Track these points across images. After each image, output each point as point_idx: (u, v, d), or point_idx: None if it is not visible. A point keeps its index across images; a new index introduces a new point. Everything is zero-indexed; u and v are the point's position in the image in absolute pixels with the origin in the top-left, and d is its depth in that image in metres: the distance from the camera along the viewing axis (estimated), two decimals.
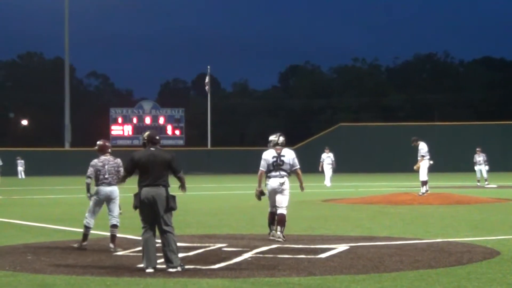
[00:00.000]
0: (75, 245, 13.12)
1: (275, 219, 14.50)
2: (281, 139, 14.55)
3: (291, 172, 14.64)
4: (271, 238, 14.36)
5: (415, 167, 26.71)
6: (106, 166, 13.18)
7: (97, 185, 13.19)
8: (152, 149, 10.68)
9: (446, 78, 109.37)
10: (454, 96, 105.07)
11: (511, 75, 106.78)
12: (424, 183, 26.32)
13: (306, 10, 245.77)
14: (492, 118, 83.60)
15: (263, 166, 14.57)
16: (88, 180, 13.17)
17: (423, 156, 26.41)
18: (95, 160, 13.29)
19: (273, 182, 14.52)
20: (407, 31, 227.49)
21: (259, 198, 14.99)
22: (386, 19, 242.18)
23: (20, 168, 64.57)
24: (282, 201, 14.58)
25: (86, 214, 13.43)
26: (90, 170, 13.20)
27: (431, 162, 26.89)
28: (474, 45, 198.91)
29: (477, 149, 40.89)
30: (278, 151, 14.52)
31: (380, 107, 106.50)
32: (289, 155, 14.53)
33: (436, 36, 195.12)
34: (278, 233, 14.26)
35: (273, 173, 14.50)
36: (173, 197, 10.51)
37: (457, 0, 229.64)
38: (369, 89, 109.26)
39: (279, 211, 14.51)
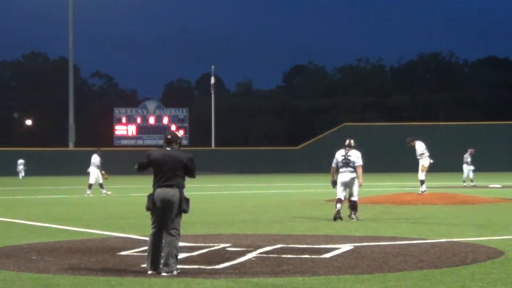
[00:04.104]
0: None
1: (340, 205, 17.98)
2: (351, 142, 18.43)
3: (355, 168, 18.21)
4: (336, 216, 17.76)
5: (425, 166, 26.51)
6: None
7: None
8: (168, 148, 10.52)
9: (450, 78, 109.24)
10: (458, 96, 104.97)
11: None
12: (422, 182, 26.34)
13: (309, 10, 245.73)
14: (497, 118, 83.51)
15: (333, 163, 18.46)
16: None
17: (422, 154, 26.38)
18: None
19: (343, 176, 18.20)
20: (411, 30, 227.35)
21: (334, 187, 18.57)
22: (390, 18, 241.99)
23: (21, 167, 64.61)
24: (353, 192, 18.19)
25: None
26: None
27: (431, 161, 26.84)
28: (478, 45, 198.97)
29: (471, 149, 40.68)
30: (347, 151, 18.32)
31: (385, 107, 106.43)
32: (354, 155, 18.24)
33: (441, 35, 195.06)
34: (352, 215, 18.13)
35: (343, 169, 18.22)
36: (187, 199, 10.31)
37: (461, 0, 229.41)
38: (373, 89, 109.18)
39: (351, 199, 18.22)
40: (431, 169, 27.11)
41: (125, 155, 72.43)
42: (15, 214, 21.31)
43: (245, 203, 26.36)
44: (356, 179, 18.11)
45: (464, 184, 39.18)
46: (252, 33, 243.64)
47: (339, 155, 18.32)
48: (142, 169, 10.56)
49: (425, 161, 26.44)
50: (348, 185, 18.12)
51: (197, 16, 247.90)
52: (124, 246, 13.18)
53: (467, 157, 40.15)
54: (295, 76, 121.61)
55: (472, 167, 39.87)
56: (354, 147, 18.40)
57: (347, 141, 18.49)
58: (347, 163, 18.14)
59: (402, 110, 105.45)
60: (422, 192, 26.07)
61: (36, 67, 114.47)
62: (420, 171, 26.52)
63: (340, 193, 18.15)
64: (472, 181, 39.35)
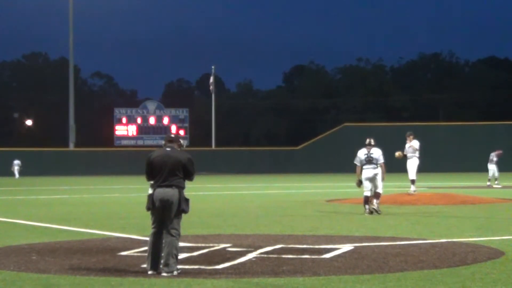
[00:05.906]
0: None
1: (369, 200, 19.63)
2: (371, 141, 19.92)
3: (378, 165, 19.79)
4: (366, 214, 19.41)
5: (397, 154, 26.27)
6: None
7: None
8: (168, 149, 10.49)
9: (450, 78, 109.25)
10: (459, 96, 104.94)
11: None
12: (413, 181, 26.24)
13: (310, 10, 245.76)
14: (497, 118, 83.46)
15: (357, 162, 19.96)
16: None
17: (415, 154, 26.19)
18: None
19: (367, 173, 19.74)
20: (411, 30, 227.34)
21: (359, 186, 20.11)
22: (391, 18, 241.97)
23: (16, 168, 64.64)
24: (378, 185, 19.79)
25: None
26: None
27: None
28: (479, 45, 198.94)
29: (499, 151, 40.52)
30: (369, 149, 19.86)
31: (385, 107, 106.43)
32: (376, 153, 19.85)
33: (441, 35, 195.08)
34: (375, 203, 19.54)
35: (367, 166, 19.77)
36: (186, 200, 10.29)
37: (462, 0, 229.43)
38: (373, 89, 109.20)
39: (377, 191, 19.76)
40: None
41: (126, 155, 72.49)
42: (15, 214, 21.31)
43: (245, 203, 26.36)
44: (377, 175, 19.71)
45: (494, 183, 38.87)
46: (252, 33, 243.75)
47: (362, 153, 19.88)
48: (150, 175, 10.46)
49: (412, 160, 26.23)
50: (372, 180, 19.70)
51: (197, 16, 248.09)
52: (124, 246, 13.17)
53: (493, 156, 39.88)
54: (295, 76, 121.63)
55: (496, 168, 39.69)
56: (374, 145, 19.91)
57: (367, 140, 20.00)
58: (370, 160, 19.75)
59: (402, 110, 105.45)
60: (414, 191, 25.95)
61: (36, 67, 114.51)
62: (414, 170, 26.30)
63: (367, 189, 19.76)
64: (496, 179, 39.27)
